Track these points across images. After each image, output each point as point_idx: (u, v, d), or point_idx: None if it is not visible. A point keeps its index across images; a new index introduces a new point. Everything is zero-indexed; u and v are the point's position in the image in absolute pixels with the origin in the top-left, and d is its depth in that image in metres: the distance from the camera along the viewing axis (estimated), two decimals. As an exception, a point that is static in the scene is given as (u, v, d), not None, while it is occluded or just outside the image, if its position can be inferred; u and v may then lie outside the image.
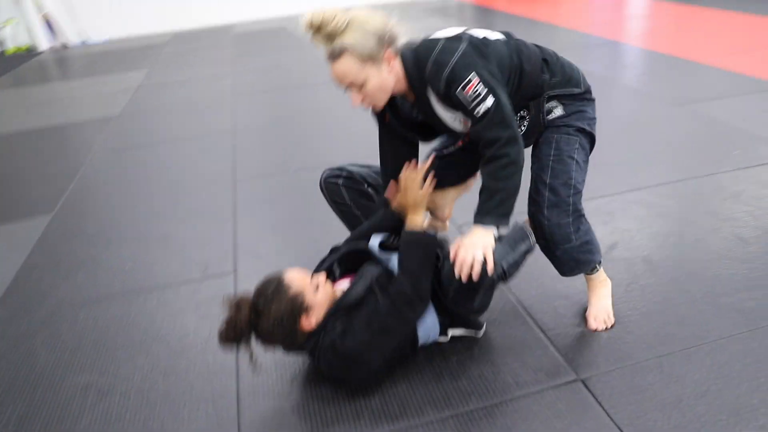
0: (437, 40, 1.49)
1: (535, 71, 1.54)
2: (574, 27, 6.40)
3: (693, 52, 4.86)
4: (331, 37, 1.40)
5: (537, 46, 1.62)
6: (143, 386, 1.75)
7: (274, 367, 1.74)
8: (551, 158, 1.60)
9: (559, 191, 1.59)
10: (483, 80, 1.42)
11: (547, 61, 1.58)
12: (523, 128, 1.62)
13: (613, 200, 2.56)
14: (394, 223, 1.71)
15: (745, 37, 5.26)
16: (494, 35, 1.54)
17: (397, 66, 1.50)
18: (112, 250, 2.56)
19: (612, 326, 1.75)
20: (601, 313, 1.77)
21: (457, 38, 1.48)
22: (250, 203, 2.86)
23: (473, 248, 1.44)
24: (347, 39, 1.40)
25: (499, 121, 1.45)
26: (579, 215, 1.63)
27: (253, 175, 3.19)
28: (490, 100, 1.42)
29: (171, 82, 5.60)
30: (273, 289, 1.51)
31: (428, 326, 1.62)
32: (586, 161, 1.65)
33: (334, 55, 1.42)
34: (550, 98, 1.59)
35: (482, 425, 1.48)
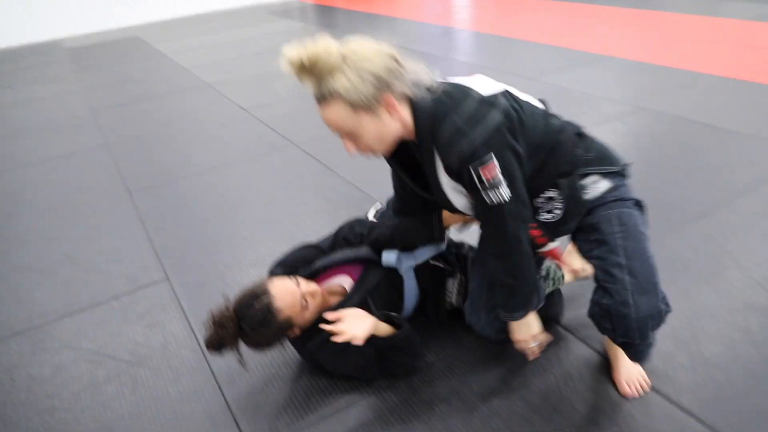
0: (466, 95, 1.22)
1: (568, 145, 1.31)
2: (412, 18, 6.92)
3: (524, 33, 5.55)
4: (320, 77, 1.16)
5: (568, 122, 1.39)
6: (113, 404, 1.64)
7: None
8: (618, 236, 1.30)
9: (641, 273, 1.27)
10: (504, 167, 1.19)
11: (581, 135, 1.36)
12: (557, 212, 1.33)
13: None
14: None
15: (564, 18, 6.09)
16: (533, 100, 1.35)
17: (404, 113, 1.23)
18: (12, 281, 2.29)
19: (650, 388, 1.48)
20: (633, 375, 1.47)
21: (491, 102, 1.22)
22: (156, 212, 2.73)
23: (525, 343, 1.45)
24: (338, 82, 1.15)
25: (513, 216, 1.24)
26: (664, 299, 1.32)
27: (146, 186, 3.02)
28: (506, 192, 1.20)
29: (12, 103, 4.99)
30: (261, 317, 1.44)
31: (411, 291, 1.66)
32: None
33: (322, 100, 1.19)
34: (585, 175, 1.33)
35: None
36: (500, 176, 1.18)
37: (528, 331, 1.42)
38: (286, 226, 2.48)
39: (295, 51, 1.15)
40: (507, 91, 1.29)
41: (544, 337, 1.46)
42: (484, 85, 1.27)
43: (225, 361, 1.70)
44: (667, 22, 5.55)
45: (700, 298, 1.83)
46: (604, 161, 1.34)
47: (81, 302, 2.10)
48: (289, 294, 1.47)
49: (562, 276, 1.71)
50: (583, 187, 1.32)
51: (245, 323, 1.45)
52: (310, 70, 1.15)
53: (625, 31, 5.35)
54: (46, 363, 1.81)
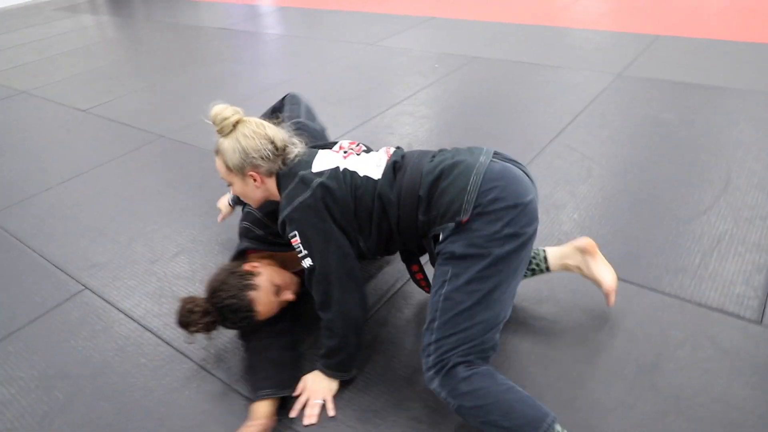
0: (295, 175, 1.43)
1: (405, 215, 1.41)
2: (216, 0, 6.76)
3: (349, 4, 5.79)
4: (219, 133, 1.47)
5: (427, 171, 1.39)
6: (91, 417, 1.52)
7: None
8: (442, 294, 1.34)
9: (426, 330, 1.35)
10: (304, 240, 1.39)
11: (421, 197, 1.38)
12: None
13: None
14: None
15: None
16: (372, 171, 1.44)
17: (269, 184, 1.49)
18: None
19: None
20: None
21: (308, 180, 1.40)
22: (31, 228, 2.43)
23: (314, 394, 1.49)
24: (224, 143, 1.46)
25: (316, 282, 1.42)
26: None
27: (4, 206, 2.66)
28: (307, 262, 1.40)
29: None
30: (242, 316, 1.52)
31: None
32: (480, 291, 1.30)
33: (215, 151, 1.51)
34: (436, 235, 1.40)
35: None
36: (301, 247, 1.40)
37: (323, 387, 1.50)
38: (195, 212, 2.41)
39: (214, 107, 1.45)
40: (338, 166, 1.43)
41: (329, 402, 1.48)
42: (321, 162, 1.45)
43: (199, 345, 1.68)
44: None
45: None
46: (444, 216, 1.33)
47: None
48: (268, 299, 1.55)
49: (545, 258, 1.65)
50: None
51: (225, 318, 1.53)
52: (215, 125, 1.46)
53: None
54: (-18, 404, 1.59)
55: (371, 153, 1.53)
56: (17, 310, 1.95)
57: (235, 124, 1.45)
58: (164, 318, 1.84)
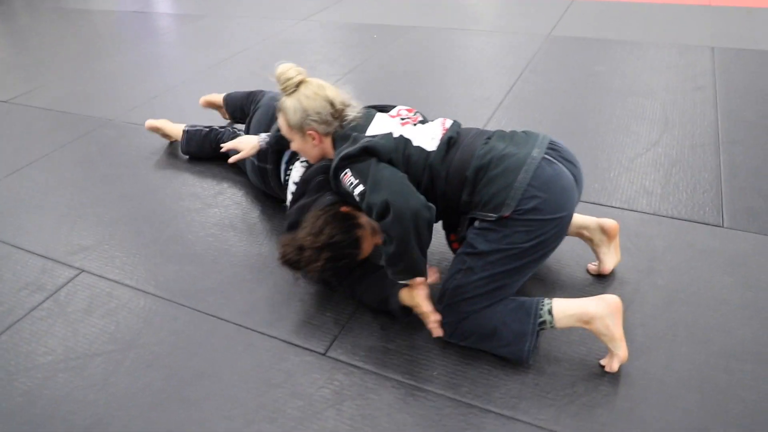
0: (349, 138, 1.51)
1: (450, 190, 1.46)
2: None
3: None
4: (282, 91, 1.57)
5: (478, 155, 1.44)
6: (139, 385, 1.50)
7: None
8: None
9: (438, 299, 1.49)
10: (354, 172, 1.44)
11: (468, 178, 1.43)
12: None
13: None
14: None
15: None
16: (426, 143, 1.48)
17: (326, 144, 1.60)
18: None
19: None
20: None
21: (372, 136, 1.49)
22: (9, 213, 2.26)
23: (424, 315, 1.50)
24: (286, 102, 1.57)
25: (370, 193, 1.39)
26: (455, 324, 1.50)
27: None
28: (359, 188, 1.42)
29: None
30: (348, 253, 1.54)
31: None
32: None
33: (277, 108, 1.63)
34: (473, 220, 1.47)
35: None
36: (352, 179, 1.44)
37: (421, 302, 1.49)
38: (168, 192, 2.35)
39: (279, 66, 1.57)
40: (402, 134, 1.50)
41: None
42: (379, 125, 1.54)
43: (233, 307, 1.69)
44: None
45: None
46: (486, 206, 1.40)
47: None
48: (370, 238, 1.59)
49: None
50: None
51: (332, 250, 1.50)
52: (279, 83, 1.57)
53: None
54: (16, 393, 1.51)
55: (427, 124, 1.58)
56: (8, 303, 1.83)
57: (298, 84, 1.55)
58: (181, 284, 1.82)
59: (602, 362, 1.44)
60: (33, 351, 1.64)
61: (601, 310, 1.37)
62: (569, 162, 1.46)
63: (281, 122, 1.62)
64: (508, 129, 1.59)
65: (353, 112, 1.58)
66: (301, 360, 1.53)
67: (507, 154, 1.41)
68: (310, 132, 1.57)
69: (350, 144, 1.50)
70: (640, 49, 3.40)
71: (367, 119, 1.57)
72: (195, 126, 2.54)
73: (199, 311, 1.72)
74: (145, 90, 3.39)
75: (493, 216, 1.39)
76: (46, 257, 2.02)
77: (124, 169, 2.54)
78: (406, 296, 1.49)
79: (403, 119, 1.57)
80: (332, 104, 1.55)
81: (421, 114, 1.63)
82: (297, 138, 1.62)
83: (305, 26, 4.31)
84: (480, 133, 1.53)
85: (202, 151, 2.50)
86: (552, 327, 1.41)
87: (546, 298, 1.44)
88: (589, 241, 1.72)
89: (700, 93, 2.81)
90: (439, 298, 1.49)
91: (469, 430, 1.32)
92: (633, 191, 2.11)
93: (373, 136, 1.49)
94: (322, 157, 1.66)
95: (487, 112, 2.75)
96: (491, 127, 2.53)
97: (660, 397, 1.36)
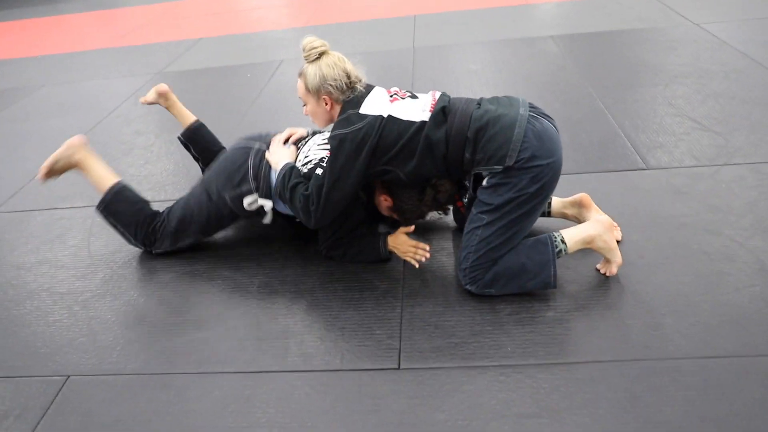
0: (346, 112, 1.69)
1: (453, 151, 1.65)
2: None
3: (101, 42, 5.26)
4: (305, 59, 1.74)
5: (475, 118, 1.64)
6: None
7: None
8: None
9: (464, 258, 1.70)
10: (332, 159, 1.68)
11: (469, 138, 1.62)
12: (464, 200, 1.88)
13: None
14: None
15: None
16: (416, 115, 1.67)
17: (335, 111, 1.76)
18: None
19: None
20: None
21: (353, 120, 1.66)
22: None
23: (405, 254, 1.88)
24: (308, 68, 1.74)
25: (314, 191, 1.71)
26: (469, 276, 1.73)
27: None
28: (319, 170, 1.73)
29: None
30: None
31: None
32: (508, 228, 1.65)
33: (299, 74, 1.78)
34: (477, 174, 1.70)
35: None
36: (325, 162, 1.73)
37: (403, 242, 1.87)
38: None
39: (305, 38, 1.74)
40: (381, 116, 1.67)
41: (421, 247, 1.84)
42: (371, 103, 1.71)
43: (280, 346, 1.59)
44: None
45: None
46: (490, 160, 1.61)
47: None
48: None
49: (549, 204, 1.96)
50: (477, 181, 1.73)
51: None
52: (304, 52, 1.74)
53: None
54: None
55: (416, 99, 1.75)
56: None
57: (321, 54, 1.72)
58: (199, 354, 1.65)
59: (600, 269, 1.78)
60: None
61: (598, 230, 1.72)
62: (548, 117, 1.71)
63: (300, 86, 1.77)
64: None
65: (360, 87, 1.74)
66: (382, 380, 1.50)
67: (501, 115, 1.63)
68: (324, 97, 1.73)
69: (344, 120, 1.68)
70: (498, 45, 3.85)
71: (363, 95, 1.73)
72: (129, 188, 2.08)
73: (242, 373, 1.58)
74: (13, 176, 2.94)
75: (499, 168, 1.60)
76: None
77: (46, 256, 2.20)
78: (390, 241, 1.89)
79: (392, 96, 1.75)
80: (348, 76, 1.72)
81: (409, 91, 1.81)
82: (312, 101, 1.77)
83: (164, 79, 4.08)
84: (469, 100, 1.73)
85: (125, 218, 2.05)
86: (566, 253, 1.71)
87: (555, 232, 1.72)
88: (573, 218, 1.97)
89: (563, 72, 3.29)
90: (464, 256, 1.70)
91: (570, 385, 1.42)
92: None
93: (364, 116, 1.67)
94: (330, 122, 1.81)
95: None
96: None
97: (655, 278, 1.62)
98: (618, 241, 1.90)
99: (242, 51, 4.49)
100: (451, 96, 1.77)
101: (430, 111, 1.69)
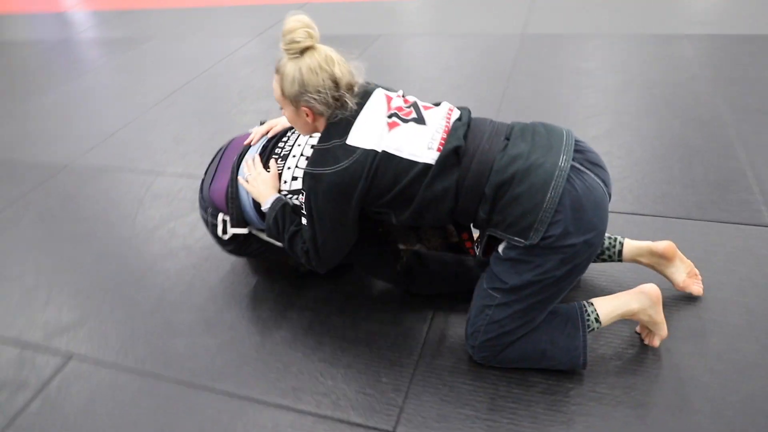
0: (331, 140, 1.30)
1: (463, 205, 1.29)
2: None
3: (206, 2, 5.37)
4: (285, 50, 1.29)
5: (498, 167, 1.24)
6: None
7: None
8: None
9: (471, 335, 1.40)
10: (308, 206, 1.34)
11: (486, 195, 1.25)
12: (476, 247, 1.44)
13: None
14: None
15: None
16: (420, 152, 1.28)
17: (318, 123, 1.37)
18: None
19: None
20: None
21: (337, 157, 1.28)
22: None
23: None
24: (287, 67, 1.30)
25: (309, 241, 1.40)
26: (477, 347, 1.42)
27: None
28: (303, 219, 1.41)
29: None
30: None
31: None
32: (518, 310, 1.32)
33: (275, 69, 1.35)
34: (492, 236, 1.34)
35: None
36: (304, 210, 1.38)
37: None
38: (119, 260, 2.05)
39: (287, 22, 1.28)
40: (374, 152, 1.28)
41: None
42: (363, 129, 1.31)
43: (276, 375, 1.44)
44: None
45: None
46: (509, 228, 1.24)
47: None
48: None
49: (620, 251, 1.58)
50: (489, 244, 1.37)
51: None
52: (283, 39, 1.29)
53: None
54: None
55: (423, 124, 1.32)
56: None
57: (304, 51, 1.28)
58: (198, 361, 1.54)
59: (641, 334, 1.47)
60: None
61: (643, 304, 1.38)
62: (596, 166, 1.29)
63: (275, 86, 1.35)
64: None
65: (350, 100, 1.31)
66: (369, 443, 1.30)
67: (533, 166, 1.22)
68: (304, 108, 1.33)
69: (328, 153, 1.29)
70: (623, 41, 3.34)
71: (354, 114, 1.32)
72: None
73: (229, 395, 1.45)
74: (98, 127, 3.03)
75: (521, 242, 1.23)
76: (22, 344, 1.69)
77: (95, 223, 2.22)
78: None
79: (390, 116, 1.32)
80: (336, 84, 1.29)
81: (416, 107, 1.37)
82: (289, 109, 1.37)
83: (262, 42, 4.03)
84: (495, 130, 1.32)
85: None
86: (598, 329, 1.41)
87: (586, 303, 1.40)
88: (649, 266, 1.59)
89: (694, 82, 2.75)
90: (471, 333, 1.38)
91: None
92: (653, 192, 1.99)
93: (353, 151, 1.28)
94: (315, 132, 1.42)
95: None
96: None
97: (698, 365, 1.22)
98: (696, 296, 1.56)
99: (344, 21, 4.32)
100: (477, 115, 1.39)
101: (438, 150, 1.28)
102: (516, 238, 1.24)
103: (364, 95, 1.35)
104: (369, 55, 3.56)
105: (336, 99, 1.30)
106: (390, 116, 1.32)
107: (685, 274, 1.57)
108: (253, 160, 1.60)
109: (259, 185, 1.53)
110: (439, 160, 1.27)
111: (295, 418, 1.37)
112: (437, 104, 1.42)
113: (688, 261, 1.59)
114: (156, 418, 1.41)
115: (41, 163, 2.72)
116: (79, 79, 3.77)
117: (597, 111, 2.60)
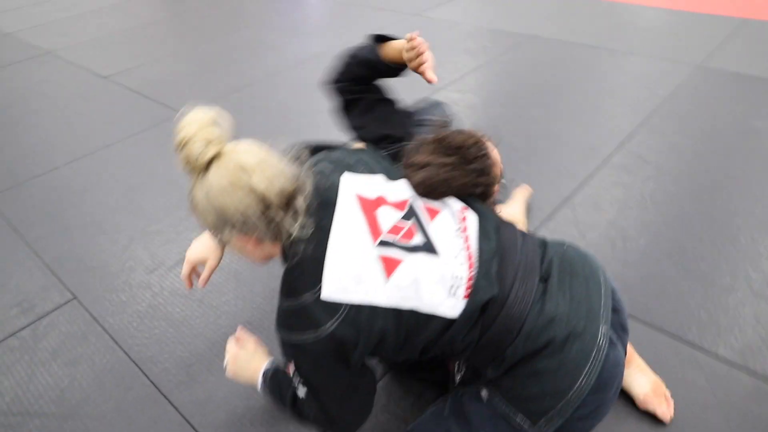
0: (295, 292, 0.95)
1: (477, 359, 1.04)
2: None
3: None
4: (186, 172, 0.93)
5: (528, 330, 0.96)
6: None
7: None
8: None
9: None
10: (301, 374, 1.01)
11: (506, 358, 0.98)
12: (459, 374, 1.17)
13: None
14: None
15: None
16: (440, 301, 0.96)
17: (270, 249, 1.01)
18: None
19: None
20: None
21: (331, 309, 0.92)
22: (32, 215, 2.21)
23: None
24: (195, 193, 0.93)
25: (315, 415, 1.06)
26: None
27: (8, 185, 2.45)
28: (302, 390, 1.03)
29: None
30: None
31: None
32: None
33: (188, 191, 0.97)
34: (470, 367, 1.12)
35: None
36: (297, 378, 1.02)
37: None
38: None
39: (183, 128, 0.90)
40: (366, 307, 0.93)
41: None
42: (340, 267, 0.93)
43: (189, 394, 1.43)
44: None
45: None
46: (522, 405, 0.99)
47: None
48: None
49: None
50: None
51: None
52: (182, 152, 0.92)
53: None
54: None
55: (435, 254, 0.96)
56: (-3, 320, 1.74)
57: (209, 163, 0.90)
58: (151, 348, 1.59)
59: None
60: (-15, 392, 1.51)
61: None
62: (626, 332, 1.08)
63: (198, 221, 0.98)
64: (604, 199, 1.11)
65: (299, 222, 0.93)
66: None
67: (571, 336, 0.95)
68: (239, 238, 0.97)
69: (298, 312, 0.94)
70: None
71: (322, 236, 0.94)
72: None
73: (155, 387, 1.48)
74: (227, 81, 3.24)
75: (524, 426, 0.98)
76: (52, 272, 1.91)
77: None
78: None
79: (382, 248, 0.94)
80: (264, 202, 0.90)
81: (416, 217, 0.99)
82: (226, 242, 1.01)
83: (416, 23, 3.91)
84: (528, 262, 1.01)
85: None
86: None
87: None
88: None
89: None
90: None
91: None
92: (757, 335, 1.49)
93: (335, 308, 0.92)
94: (273, 257, 1.05)
95: (586, 168, 2.18)
96: (578, 200, 1.99)
97: None
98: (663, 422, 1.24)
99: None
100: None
101: (465, 296, 0.96)
102: (520, 416, 0.98)
103: (324, 207, 0.96)
104: (511, 57, 3.24)
105: (270, 221, 0.92)
106: (382, 245, 0.94)
107: (648, 388, 1.27)
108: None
109: (243, 367, 1.23)
110: (466, 314, 0.96)
111: (189, 436, 1.35)
112: (437, 198, 1.04)
113: (654, 375, 1.30)
114: (91, 386, 1.50)
115: (168, 105, 3.00)
116: (251, 30, 4.05)
117: (745, 200, 2.04)
